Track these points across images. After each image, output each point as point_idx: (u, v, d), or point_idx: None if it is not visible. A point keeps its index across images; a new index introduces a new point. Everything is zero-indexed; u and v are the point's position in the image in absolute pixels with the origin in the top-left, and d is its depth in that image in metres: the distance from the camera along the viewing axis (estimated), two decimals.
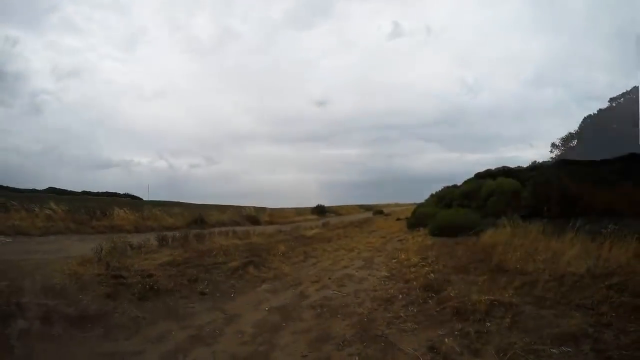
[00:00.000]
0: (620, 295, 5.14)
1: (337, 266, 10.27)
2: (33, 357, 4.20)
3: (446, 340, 4.50)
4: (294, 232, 17.88)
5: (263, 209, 32.81)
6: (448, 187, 26.26)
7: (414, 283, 7.34)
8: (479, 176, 22.94)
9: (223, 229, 17.75)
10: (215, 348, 4.69)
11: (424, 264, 9.22)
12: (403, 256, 10.83)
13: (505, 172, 21.21)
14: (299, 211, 39.42)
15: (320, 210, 41.64)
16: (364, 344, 4.68)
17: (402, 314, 5.71)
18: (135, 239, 10.93)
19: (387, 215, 41.92)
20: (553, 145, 24.80)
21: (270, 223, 27.00)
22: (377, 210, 49.08)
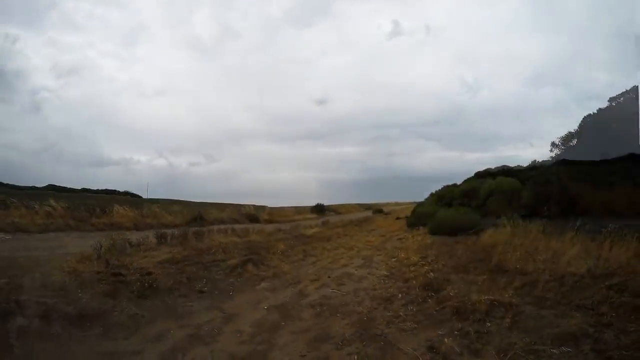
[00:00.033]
0: (621, 296, 5.14)
1: (337, 264, 10.25)
2: (32, 356, 4.19)
3: (446, 340, 4.49)
4: (294, 231, 17.85)
5: (262, 208, 32.80)
6: (448, 186, 26.27)
7: (414, 282, 7.33)
8: (479, 175, 22.96)
9: (222, 226, 17.73)
10: (213, 347, 4.67)
11: (423, 262, 9.22)
12: (403, 255, 10.83)
13: (505, 171, 21.23)
14: (299, 210, 39.40)
15: (319, 209, 41.62)
16: (364, 343, 4.67)
17: (401, 313, 5.70)
18: (135, 237, 10.92)
19: (386, 214, 41.91)
20: (553, 144, 24.89)
21: (270, 222, 26.98)
22: (377, 209, 49.07)
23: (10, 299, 5.08)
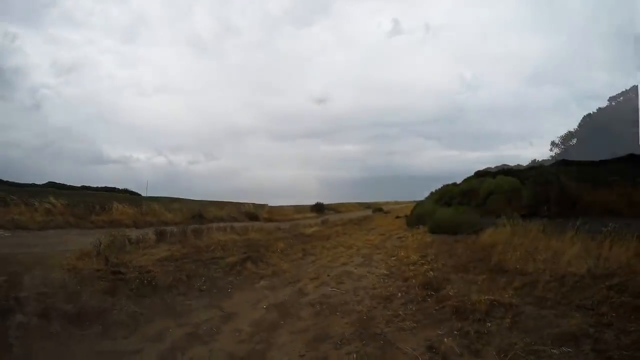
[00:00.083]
0: (621, 296, 5.14)
1: (336, 263, 10.24)
2: (32, 355, 4.18)
3: (445, 340, 4.49)
4: (293, 230, 17.84)
5: (262, 206, 32.80)
6: (448, 185, 26.30)
7: (413, 281, 7.32)
8: (479, 174, 22.97)
9: (222, 224, 17.72)
10: (212, 347, 4.66)
11: (423, 261, 9.21)
12: (402, 254, 10.82)
13: (505, 171, 21.24)
14: (298, 209, 39.37)
15: (319, 208, 41.59)
16: (363, 342, 4.66)
17: (401, 312, 5.69)
18: (134, 234, 10.91)
19: (386, 212, 41.92)
20: (553, 143, 24.91)
21: (269, 220, 26.97)
22: (377, 208, 49.07)
23: (10, 296, 5.08)
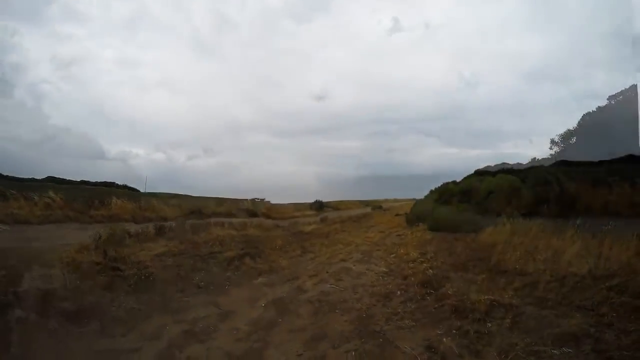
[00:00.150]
0: (621, 296, 5.14)
1: (335, 260, 10.22)
2: (30, 353, 4.16)
3: (444, 339, 4.48)
4: (292, 228, 17.83)
5: (261, 203, 32.73)
6: (447, 184, 26.24)
7: (412, 279, 7.29)
8: (479, 173, 22.94)
9: (221, 219, 17.71)
10: (209, 345, 4.65)
11: (422, 259, 9.18)
12: (402, 251, 10.80)
13: (505, 170, 21.21)
14: (298, 206, 39.32)
15: (318, 206, 41.52)
16: (362, 340, 4.66)
17: (400, 310, 5.69)
18: (133, 228, 10.91)
19: (385, 210, 41.88)
20: (552, 141, 24.85)
21: (268, 217, 26.94)
22: (376, 206, 48.99)
23: (9, 290, 5.06)
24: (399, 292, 6.63)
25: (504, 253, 8.37)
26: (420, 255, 9.83)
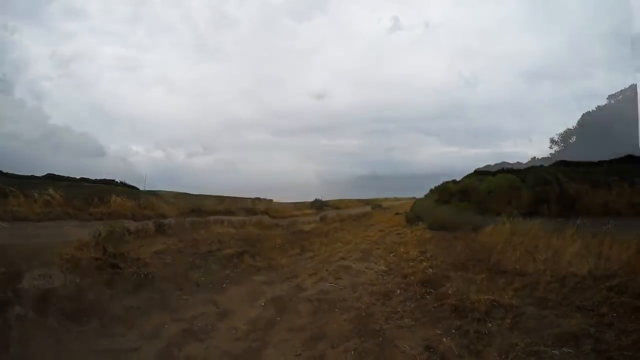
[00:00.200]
0: (621, 296, 5.13)
1: (335, 258, 10.23)
2: (29, 353, 4.14)
3: (444, 339, 4.47)
4: (292, 227, 17.82)
5: (260, 201, 32.67)
6: (447, 183, 26.18)
7: (412, 278, 7.28)
8: (479, 173, 22.90)
9: (220, 217, 17.69)
10: (208, 344, 4.64)
11: (422, 258, 9.18)
12: (402, 250, 10.80)
13: (505, 170, 21.16)
14: (297, 205, 39.26)
15: (318, 205, 41.41)
16: (362, 339, 4.65)
17: (399, 309, 5.69)
18: (133, 226, 10.90)
19: (385, 209, 41.82)
20: (552, 141, 24.79)
21: (268, 215, 26.93)
22: (376, 205, 48.89)
23: (8, 288, 5.04)
24: (398, 291, 6.62)
25: (503, 253, 8.35)
26: (420, 254, 9.82)
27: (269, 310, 5.87)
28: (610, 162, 16.16)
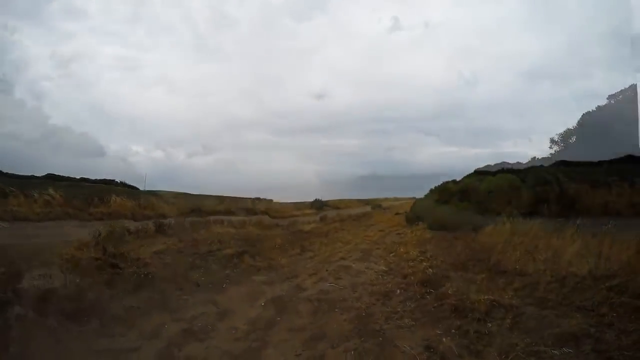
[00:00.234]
0: (621, 297, 5.13)
1: (335, 258, 10.22)
2: (29, 354, 4.14)
3: (444, 339, 4.46)
4: (292, 227, 17.82)
5: (260, 201, 32.66)
6: (447, 183, 26.18)
7: (412, 278, 7.28)
8: (479, 173, 22.89)
9: (220, 217, 17.69)
10: (208, 344, 4.64)
11: (422, 258, 9.18)
12: (402, 250, 10.79)
13: (505, 170, 21.16)
14: (297, 205, 39.24)
15: (318, 205, 41.38)
16: (362, 339, 4.65)
17: (399, 309, 5.68)
18: (133, 226, 10.91)
19: (385, 209, 41.81)
20: (552, 141, 24.80)
21: (268, 215, 26.92)
22: (376, 205, 48.87)
23: (8, 288, 5.03)
24: (398, 291, 6.62)
25: (503, 253, 8.34)
26: (420, 254, 9.81)
27: (269, 310, 5.87)
28: (610, 162, 16.17)
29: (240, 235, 12.09)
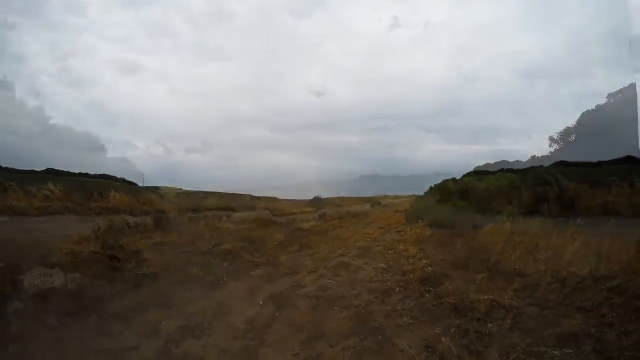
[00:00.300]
0: (622, 297, 5.12)
1: (334, 255, 10.19)
2: (28, 355, 4.12)
3: (443, 339, 4.45)
4: (291, 224, 17.80)
5: (260, 198, 32.67)
6: (447, 181, 26.20)
7: (411, 276, 7.25)
8: (478, 172, 22.92)
9: (218, 213, 17.70)
10: (205, 341, 4.64)
11: (421, 256, 9.15)
12: (401, 247, 10.77)
13: (504, 169, 21.19)
14: (297, 203, 39.26)
15: (318, 202, 41.37)
16: (361, 337, 4.64)
17: (398, 308, 5.66)
18: (132, 221, 10.90)
19: (385, 207, 41.83)
20: (551, 139, 24.83)
21: (266, 211, 26.90)
22: (375, 202, 48.87)
23: (7, 281, 5.03)
24: (397, 289, 6.60)
25: (503, 252, 8.31)
26: (419, 251, 9.78)
27: (267, 307, 5.85)
28: (610, 162, 16.19)
29: (239, 231, 12.08)
